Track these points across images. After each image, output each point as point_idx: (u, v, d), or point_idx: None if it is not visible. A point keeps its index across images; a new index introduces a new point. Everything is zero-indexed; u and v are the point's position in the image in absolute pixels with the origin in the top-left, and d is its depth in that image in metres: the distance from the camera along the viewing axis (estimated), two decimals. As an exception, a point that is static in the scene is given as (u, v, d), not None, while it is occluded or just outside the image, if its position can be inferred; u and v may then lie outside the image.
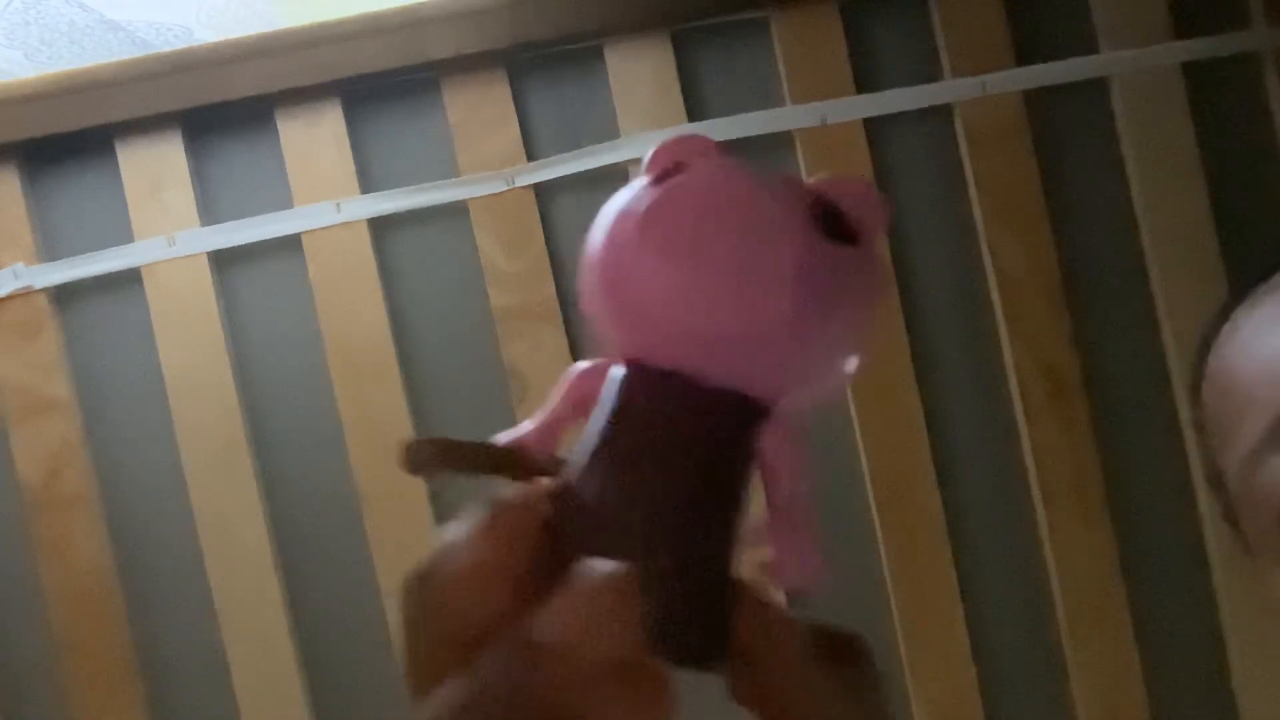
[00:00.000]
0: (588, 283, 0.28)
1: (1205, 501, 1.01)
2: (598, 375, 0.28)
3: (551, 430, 0.29)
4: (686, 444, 0.26)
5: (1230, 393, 0.38)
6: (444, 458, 0.27)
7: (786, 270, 0.25)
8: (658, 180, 0.28)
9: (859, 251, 0.27)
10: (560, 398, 0.29)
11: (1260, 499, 0.36)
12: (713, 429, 0.26)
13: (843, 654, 0.28)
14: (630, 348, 0.27)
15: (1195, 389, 0.42)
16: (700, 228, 0.26)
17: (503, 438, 0.29)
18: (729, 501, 0.27)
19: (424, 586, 0.25)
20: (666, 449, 0.26)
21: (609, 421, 0.27)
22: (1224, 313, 0.41)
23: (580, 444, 0.27)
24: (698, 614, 0.26)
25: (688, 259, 0.26)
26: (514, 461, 0.28)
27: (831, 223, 0.27)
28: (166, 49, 0.96)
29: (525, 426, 0.29)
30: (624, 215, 0.27)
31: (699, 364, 0.26)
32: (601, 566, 0.23)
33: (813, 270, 0.26)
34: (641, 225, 0.26)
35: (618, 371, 0.27)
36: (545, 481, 0.27)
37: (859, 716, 0.27)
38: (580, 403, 0.28)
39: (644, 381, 0.27)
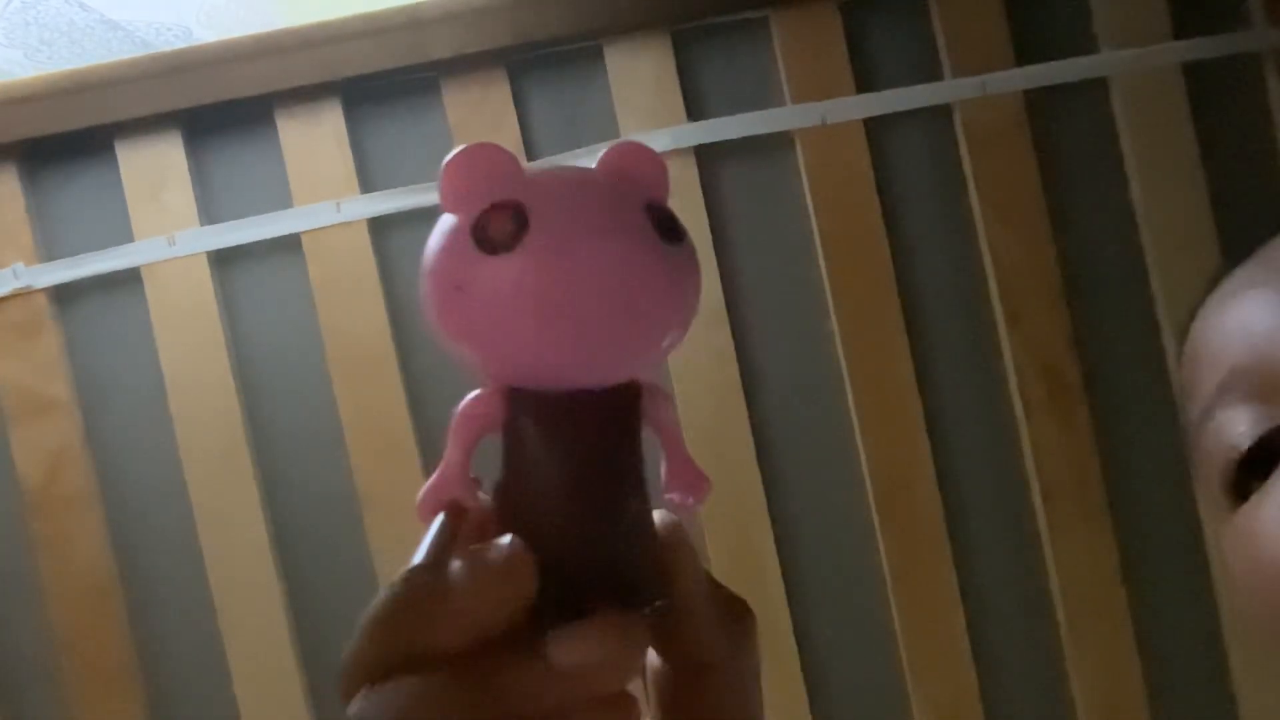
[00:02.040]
0: (445, 326, 0.29)
1: (1205, 508, 1.01)
2: (484, 405, 0.29)
3: (462, 470, 0.30)
4: (588, 446, 0.29)
5: (1195, 352, 0.40)
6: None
7: (655, 301, 0.28)
8: (484, 213, 0.27)
9: (687, 245, 0.29)
10: (455, 438, 0.30)
11: (1206, 453, 0.38)
12: (604, 422, 0.29)
13: (735, 609, 0.31)
14: (503, 379, 0.29)
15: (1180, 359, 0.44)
16: (572, 285, 0.27)
17: (424, 491, 0.30)
18: (638, 469, 0.29)
19: (431, 586, 0.27)
20: (570, 457, 0.28)
21: (508, 451, 0.29)
22: (1213, 284, 0.42)
23: (496, 477, 0.29)
24: (640, 573, 0.29)
25: (565, 317, 0.27)
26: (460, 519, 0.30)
27: (659, 218, 0.28)
28: (166, 49, 0.96)
29: (436, 476, 0.30)
30: (469, 268, 0.27)
31: (577, 382, 0.28)
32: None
33: (670, 283, 0.28)
34: (517, 291, 0.27)
35: (500, 399, 0.29)
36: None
37: (746, 671, 0.31)
38: (475, 436, 0.30)
39: (528, 404, 0.29)
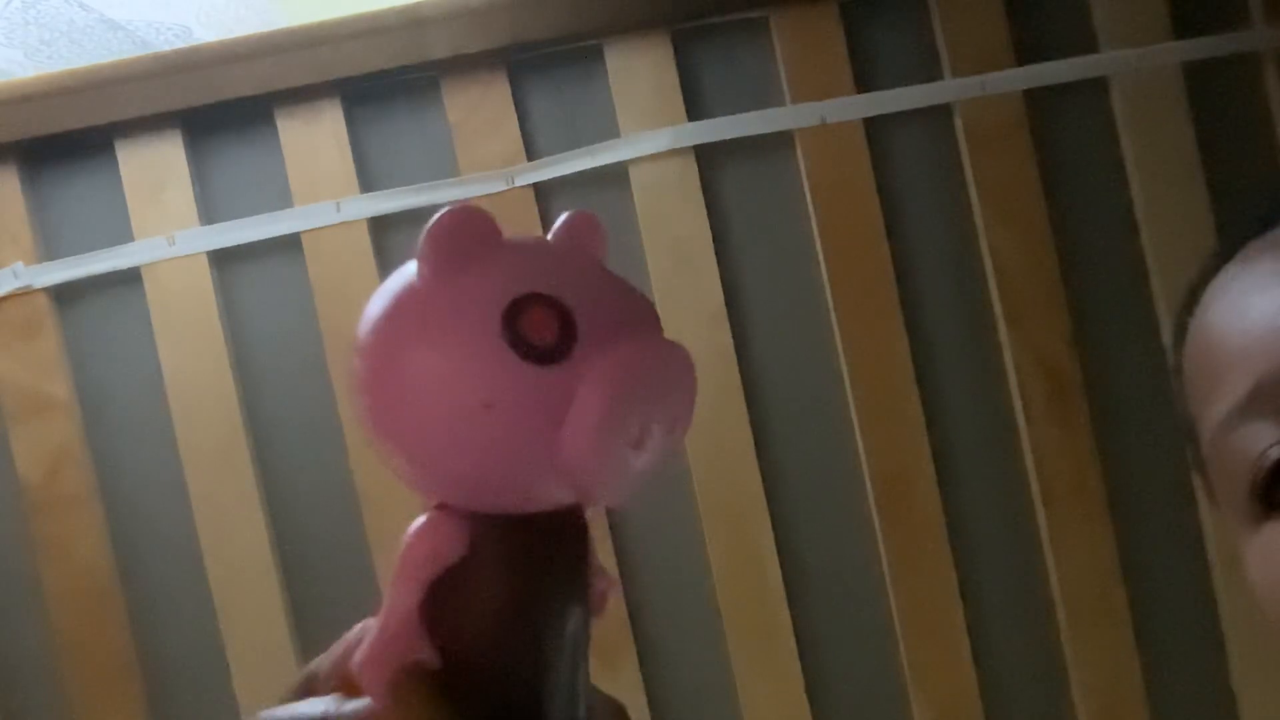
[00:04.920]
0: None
1: (1205, 501, 1.01)
2: (431, 538, 0.26)
3: (407, 620, 0.27)
4: (536, 573, 0.26)
5: (1212, 352, 0.38)
6: None
7: (504, 434, 0.24)
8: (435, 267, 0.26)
9: (570, 363, 0.24)
10: (410, 579, 0.26)
11: (1232, 465, 0.37)
12: (549, 549, 0.26)
13: None
14: (435, 497, 0.27)
15: (1178, 338, 0.42)
16: (407, 391, 0.25)
17: (371, 648, 0.27)
18: (584, 599, 0.28)
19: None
20: (521, 585, 0.26)
21: (456, 579, 0.26)
22: (1214, 264, 0.41)
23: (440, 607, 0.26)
24: (574, 707, 0.27)
25: (410, 440, 0.25)
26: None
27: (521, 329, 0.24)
28: (166, 49, 0.96)
29: (385, 633, 0.27)
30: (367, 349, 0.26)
31: (500, 506, 0.26)
32: None
33: (522, 409, 0.24)
34: (364, 413, 0.26)
35: (445, 526, 0.26)
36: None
37: None
38: (426, 572, 0.26)
39: (474, 529, 0.26)
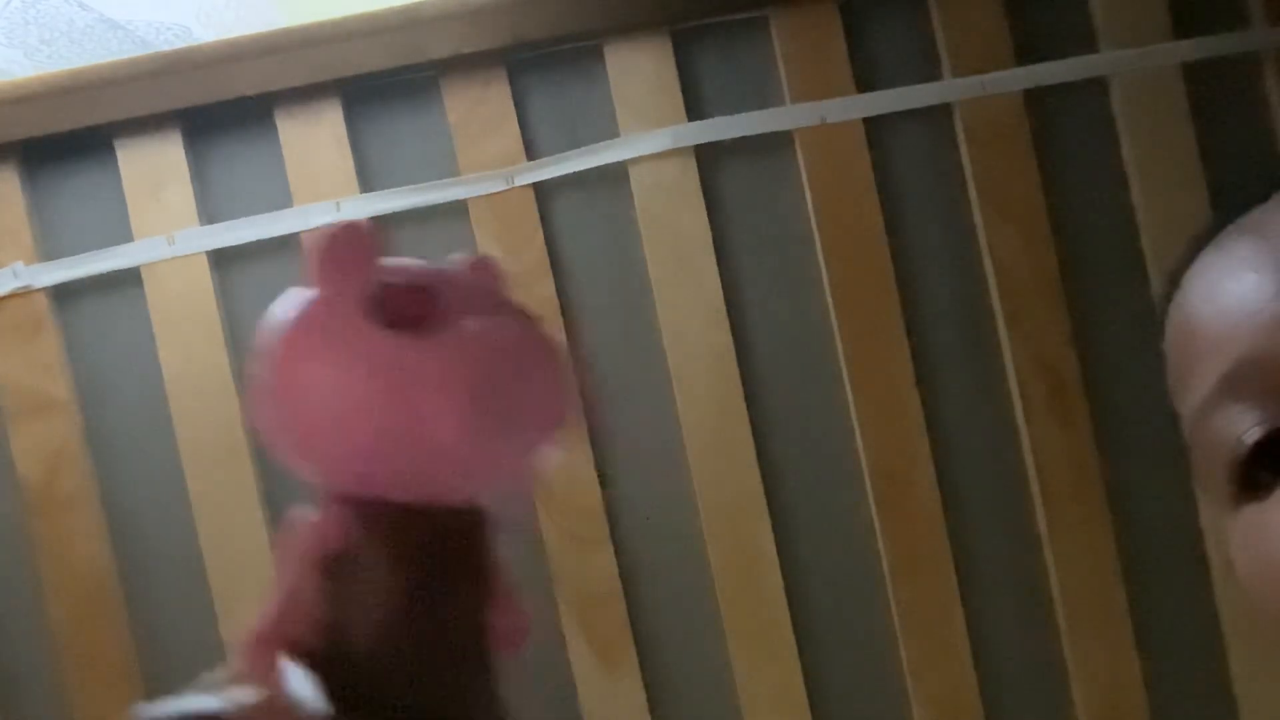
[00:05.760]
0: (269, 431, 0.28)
1: (1204, 499, 1.01)
2: (316, 529, 0.28)
3: (293, 602, 0.28)
4: (430, 566, 0.28)
5: (1190, 335, 0.38)
6: None
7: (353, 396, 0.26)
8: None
9: (435, 333, 0.27)
10: (287, 570, 0.28)
11: (1211, 449, 0.37)
12: (440, 546, 0.28)
13: None
14: (330, 484, 0.28)
15: (1161, 323, 0.42)
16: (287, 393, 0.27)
17: (259, 630, 0.28)
18: (478, 604, 0.29)
19: None
20: (408, 578, 0.28)
21: (349, 568, 0.27)
22: (1195, 248, 0.41)
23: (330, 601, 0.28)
24: (451, 694, 0.28)
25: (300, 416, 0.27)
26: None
27: (407, 305, 0.27)
28: (166, 48, 0.96)
29: (266, 611, 0.28)
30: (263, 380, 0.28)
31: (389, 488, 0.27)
32: None
33: (381, 374, 0.26)
34: (260, 405, 0.28)
35: (334, 514, 0.28)
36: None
37: None
38: (310, 556, 0.28)
39: (366, 520, 0.27)
